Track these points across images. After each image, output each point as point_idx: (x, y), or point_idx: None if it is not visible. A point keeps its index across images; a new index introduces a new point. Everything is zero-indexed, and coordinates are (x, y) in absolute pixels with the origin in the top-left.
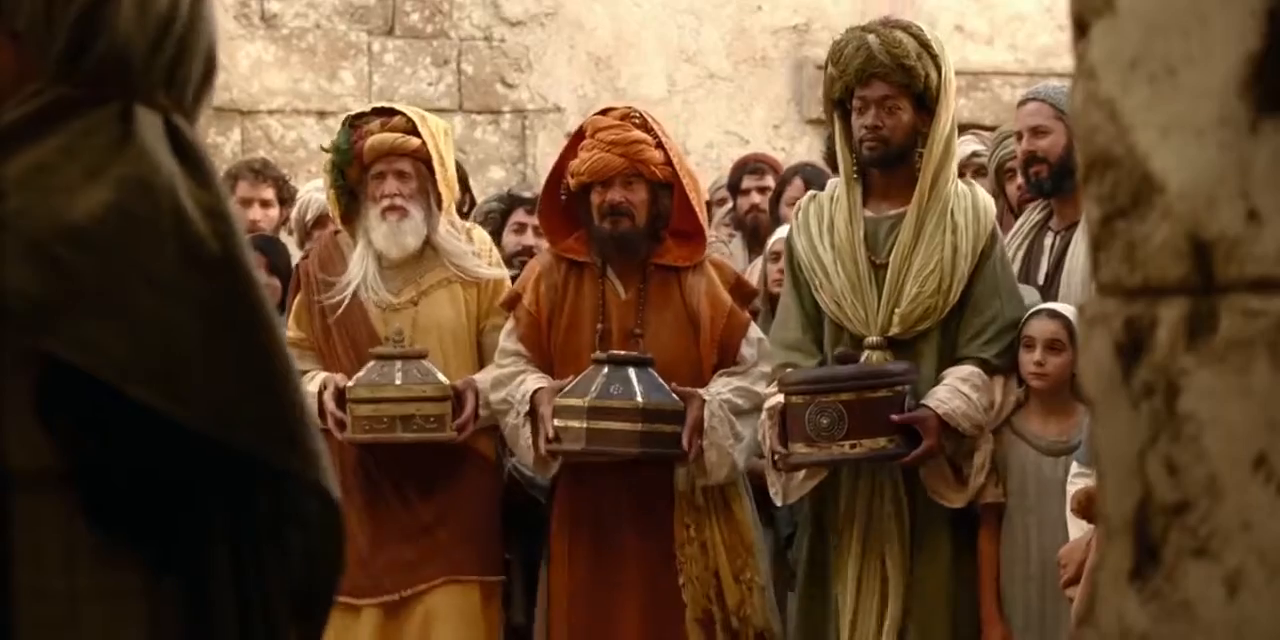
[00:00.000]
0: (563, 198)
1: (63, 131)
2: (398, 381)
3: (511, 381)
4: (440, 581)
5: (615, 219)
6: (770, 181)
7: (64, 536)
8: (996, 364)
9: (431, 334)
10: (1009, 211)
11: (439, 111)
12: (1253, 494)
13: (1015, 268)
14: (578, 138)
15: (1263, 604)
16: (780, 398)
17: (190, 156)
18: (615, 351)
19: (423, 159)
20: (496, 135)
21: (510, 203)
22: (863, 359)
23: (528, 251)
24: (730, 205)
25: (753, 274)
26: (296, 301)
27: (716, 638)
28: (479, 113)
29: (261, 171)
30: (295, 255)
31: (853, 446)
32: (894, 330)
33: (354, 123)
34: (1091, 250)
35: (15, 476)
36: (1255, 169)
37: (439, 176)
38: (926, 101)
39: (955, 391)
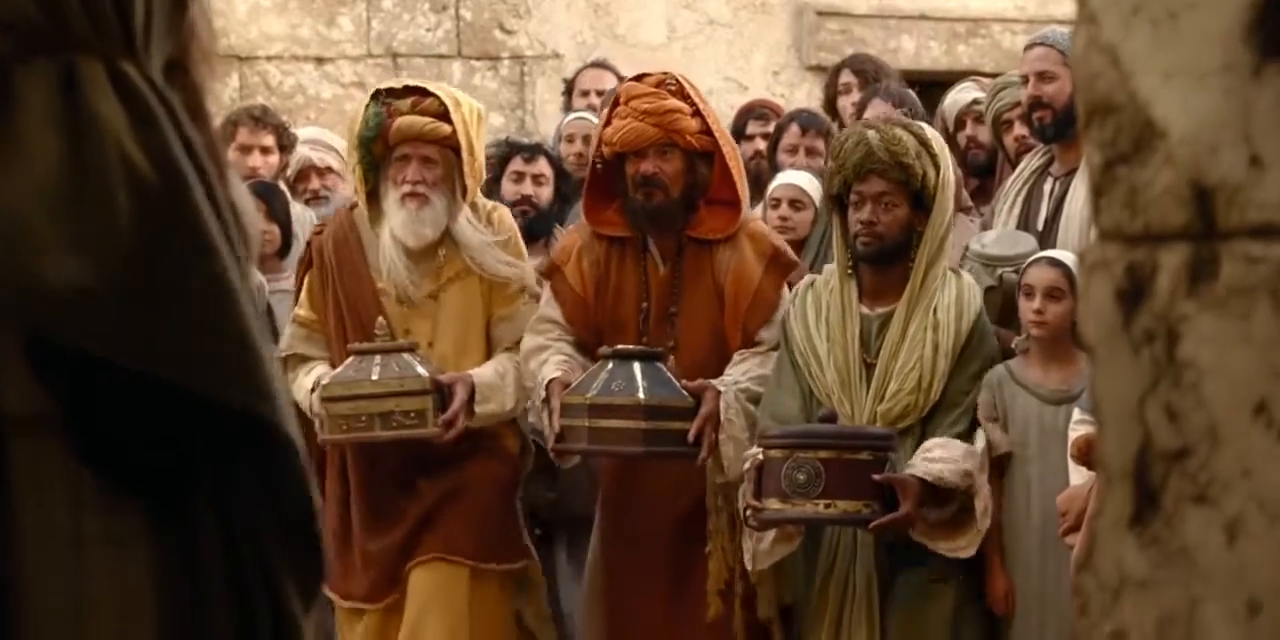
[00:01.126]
0: (598, 167)
1: (7, 89)
2: (374, 376)
3: (538, 356)
4: (428, 558)
5: (649, 191)
6: None
7: (69, 481)
8: (970, 440)
9: (450, 331)
10: (1006, 162)
11: (437, 58)
12: (1253, 441)
13: (1015, 213)
14: (613, 105)
15: (1262, 550)
16: (760, 453)
17: (138, 102)
18: (621, 346)
19: (451, 146)
20: (495, 81)
21: (509, 150)
22: None
23: (526, 200)
24: None
25: None
26: (308, 279)
27: (735, 610)
28: (477, 59)
29: (261, 118)
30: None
31: (827, 506)
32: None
33: (385, 97)
34: (1092, 196)
35: (12, 420)
36: (1258, 114)
37: (466, 165)
38: (924, 200)
39: (928, 460)
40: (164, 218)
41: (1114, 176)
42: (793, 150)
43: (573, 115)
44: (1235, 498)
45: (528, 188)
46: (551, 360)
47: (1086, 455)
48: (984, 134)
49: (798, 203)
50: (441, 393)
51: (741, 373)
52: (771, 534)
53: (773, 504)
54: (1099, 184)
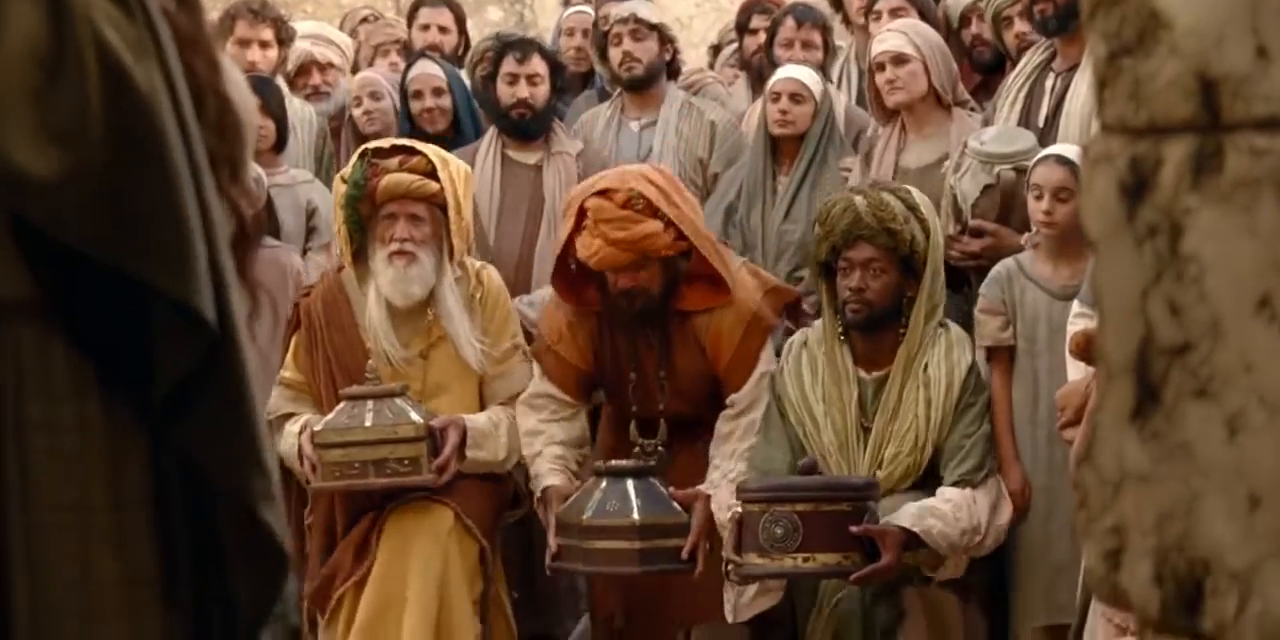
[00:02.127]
0: (573, 268)
1: None
2: (368, 423)
3: (532, 445)
4: (410, 498)
5: (630, 298)
6: None
7: (70, 367)
8: (972, 478)
9: (442, 389)
10: (1007, 59)
11: None
12: (1255, 335)
13: (1016, 109)
14: (580, 216)
15: (1263, 445)
16: (740, 507)
17: None
18: (614, 462)
19: (439, 204)
20: None
21: (500, 47)
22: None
23: (522, 103)
24: (736, 46)
25: (753, 116)
26: (295, 341)
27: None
28: None
29: (260, 12)
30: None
31: (805, 560)
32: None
33: (372, 158)
34: (1096, 88)
35: (10, 306)
36: (1265, 5)
37: (454, 224)
38: (913, 264)
39: (929, 510)
40: (129, 110)
41: (1118, 68)
42: (789, 44)
43: (572, 9)
44: (1236, 392)
45: (523, 90)
46: (546, 454)
47: (1085, 350)
48: (989, 31)
49: (797, 96)
50: (434, 438)
51: (730, 457)
52: (753, 586)
53: (752, 559)
54: (1103, 76)
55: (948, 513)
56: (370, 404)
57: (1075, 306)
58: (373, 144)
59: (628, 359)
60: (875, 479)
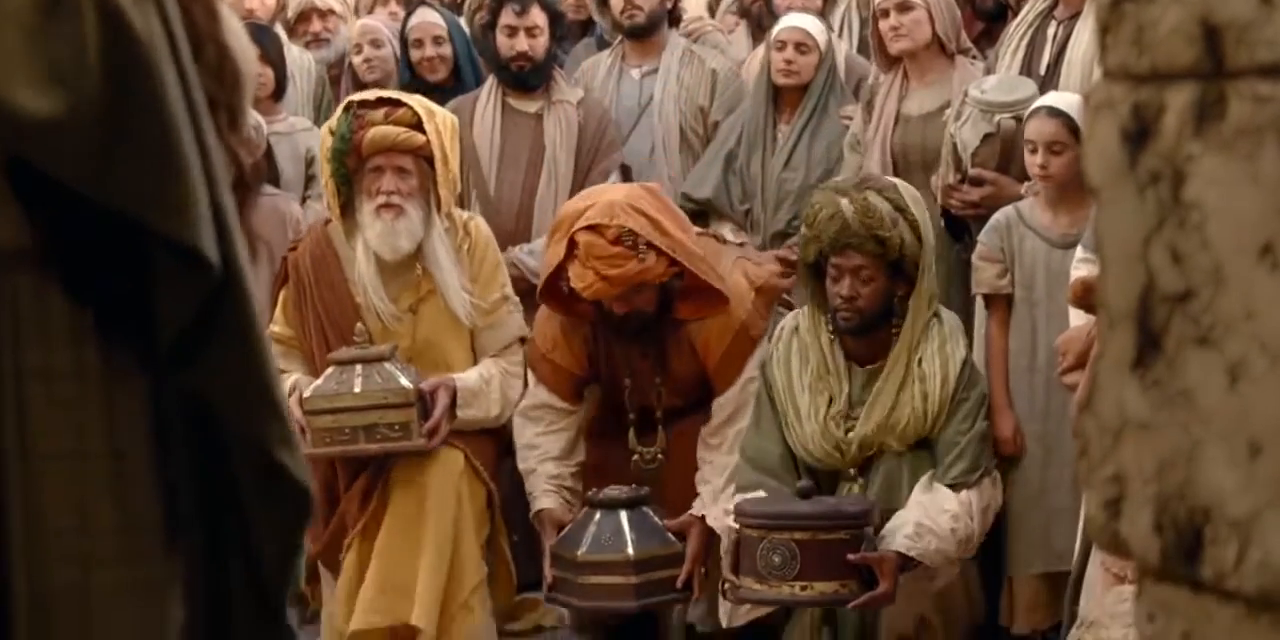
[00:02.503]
0: (565, 290)
1: None
2: (357, 389)
3: (526, 458)
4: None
5: (625, 319)
6: None
7: (67, 315)
8: (966, 480)
9: (432, 345)
10: (1008, 8)
11: None
12: (1257, 283)
13: (1018, 58)
14: (570, 245)
15: (1264, 393)
16: (738, 528)
17: None
18: (609, 492)
19: (426, 156)
20: None
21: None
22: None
23: (523, 56)
24: None
25: (753, 63)
26: (283, 296)
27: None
28: None
29: None
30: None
31: (803, 588)
32: (875, 488)
33: (357, 110)
34: (1099, 34)
35: (9, 254)
36: None
37: (441, 176)
38: (903, 267)
39: (927, 528)
40: (126, 52)
41: (1121, 14)
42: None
43: None
44: (1238, 340)
45: (522, 43)
46: (540, 472)
47: (1083, 298)
48: None
49: (803, 46)
50: (424, 401)
51: (721, 472)
52: None
53: (749, 583)
54: (1106, 22)
55: (944, 527)
56: (359, 368)
57: (1079, 252)
58: (358, 96)
59: (622, 367)
60: (872, 503)
